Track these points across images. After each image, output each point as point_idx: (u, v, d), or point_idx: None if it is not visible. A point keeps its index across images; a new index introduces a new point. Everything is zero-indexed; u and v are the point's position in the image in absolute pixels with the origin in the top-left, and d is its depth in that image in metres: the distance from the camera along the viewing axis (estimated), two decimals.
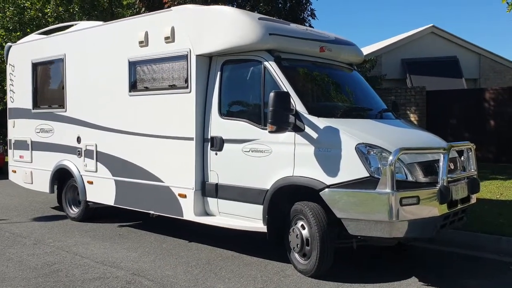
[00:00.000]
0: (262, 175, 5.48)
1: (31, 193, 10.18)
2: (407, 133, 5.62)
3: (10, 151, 9.53)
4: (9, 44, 9.60)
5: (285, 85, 5.35)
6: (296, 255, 5.27)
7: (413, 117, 13.36)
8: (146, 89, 6.70)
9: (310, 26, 12.77)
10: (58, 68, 8.22)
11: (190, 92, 6.10)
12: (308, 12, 12.72)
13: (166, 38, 6.33)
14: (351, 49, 6.69)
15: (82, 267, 5.58)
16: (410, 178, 4.80)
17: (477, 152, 13.11)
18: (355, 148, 4.82)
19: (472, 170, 5.54)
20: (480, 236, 6.42)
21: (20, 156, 9.19)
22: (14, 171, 9.42)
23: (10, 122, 9.51)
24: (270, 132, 5.13)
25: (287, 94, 5.09)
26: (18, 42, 9.78)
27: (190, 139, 6.09)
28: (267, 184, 5.41)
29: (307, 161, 5.11)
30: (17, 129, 9.27)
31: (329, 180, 4.92)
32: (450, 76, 18.46)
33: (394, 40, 20.02)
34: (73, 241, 6.81)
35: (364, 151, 4.80)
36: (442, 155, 4.90)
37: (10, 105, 9.54)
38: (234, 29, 5.68)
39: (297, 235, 5.21)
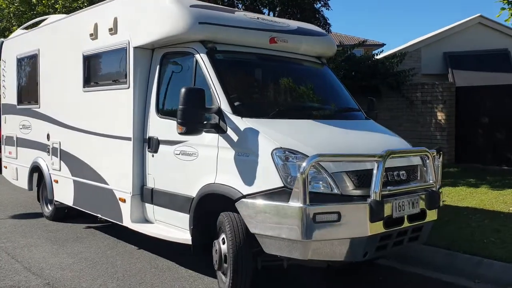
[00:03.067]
0: (189, 181, 4.92)
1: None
2: (353, 136, 4.81)
3: (2, 147, 9.54)
4: (1, 39, 9.60)
5: (212, 80, 4.76)
6: (220, 272, 4.67)
7: (440, 116, 12.18)
8: (96, 84, 6.33)
9: (323, 17, 11.98)
10: (34, 64, 8.04)
11: (128, 87, 5.63)
12: (322, 2, 11.89)
13: (110, 29, 5.90)
14: (317, 40, 5.93)
15: (6, 272, 5.29)
16: (335, 190, 4.06)
17: (510, 156, 11.84)
18: (271, 153, 4.15)
19: (430, 182, 4.65)
20: (460, 257, 5.50)
21: (9, 152, 9.16)
22: (6, 167, 9.42)
23: (2, 118, 9.51)
24: (179, 133, 4.56)
25: (199, 91, 4.48)
26: (9, 37, 9.77)
27: (128, 139, 5.63)
28: (194, 191, 4.84)
29: (228, 166, 4.49)
30: (7, 125, 9.25)
31: (245, 190, 4.28)
32: (500, 71, 16.72)
33: (435, 33, 18.50)
34: (25, 242, 6.56)
35: (282, 157, 4.11)
36: (376, 164, 4.10)
37: (2, 100, 9.54)
38: (163, 17, 5.15)
39: (216, 250, 4.61)
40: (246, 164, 4.32)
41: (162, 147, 5.32)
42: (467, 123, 12.15)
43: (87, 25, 6.39)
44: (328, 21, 11.86)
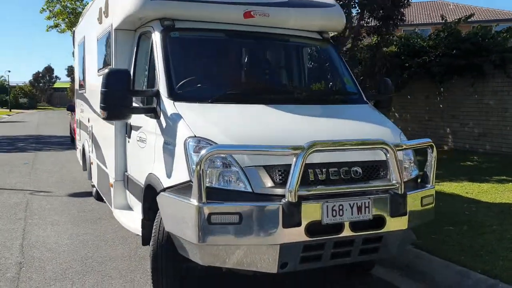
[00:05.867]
0: (141, 169, 4.66)
1: None
2: (312, 124, 3.99)
3: (76, 130, 10.26)
4: (74, 29, 10.24)
5: (158, 60, 4.39)
6: None
7: None
8: (103, 68, 6.33)
9: None
10: (83, 50, 8.41)
11: None
12: None
13: (104, 13, 5.84)
14: (313, 12, 5.13)
15: (1, 248, 5.60)
16: (248, 188, 3.44)
17: None
18: (184, 142, 3.67)
19: (393, 182, 3.69)
20: (472, 277, 4.41)
21: (77, 134, 9.81)
22: (77, 148, 10.12)
23: (74, 101, 10.20)
24: (102, 119, 4.27)
25: (122, 72, 4.14)
26: (76, 26, 10.37)
27: (111, 123, 5.54)
28: (143, 180, 4.55)
29: (159, 155, 4.12)
30: (77, 109, 9.90)
31: (166, 182, 3.87)
32: None
33: None
34: (51, 220, 6.89)
35: (194, 147, 3.61)
36: (294, 158, 3.36)
37: (75, 85, 10.22)
38: None
39: None
40: (169, 154, 3.90)
41: (132, 133, 5.11)
42: None
43: (97, 9, 6.43)
44: None
